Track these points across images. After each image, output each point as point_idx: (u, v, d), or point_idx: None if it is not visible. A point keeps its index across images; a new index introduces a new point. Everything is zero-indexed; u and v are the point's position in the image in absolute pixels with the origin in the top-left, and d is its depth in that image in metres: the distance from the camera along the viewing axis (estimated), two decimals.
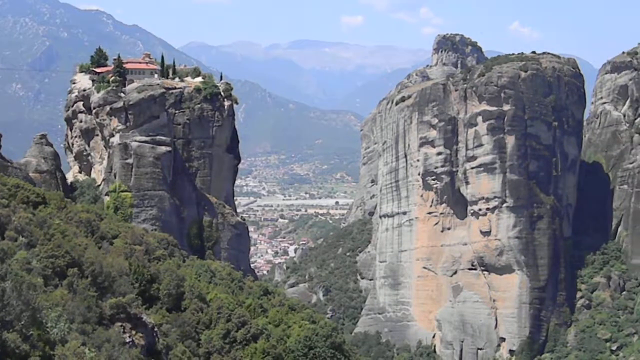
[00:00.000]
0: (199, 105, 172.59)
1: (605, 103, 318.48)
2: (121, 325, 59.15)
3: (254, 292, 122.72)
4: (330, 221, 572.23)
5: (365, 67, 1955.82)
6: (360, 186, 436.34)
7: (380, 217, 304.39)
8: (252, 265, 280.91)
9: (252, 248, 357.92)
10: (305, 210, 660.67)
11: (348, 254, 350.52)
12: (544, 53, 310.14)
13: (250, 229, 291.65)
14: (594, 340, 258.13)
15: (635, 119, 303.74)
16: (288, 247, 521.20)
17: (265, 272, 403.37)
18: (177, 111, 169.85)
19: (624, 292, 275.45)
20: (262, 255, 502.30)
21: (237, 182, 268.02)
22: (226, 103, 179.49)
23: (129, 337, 58.78)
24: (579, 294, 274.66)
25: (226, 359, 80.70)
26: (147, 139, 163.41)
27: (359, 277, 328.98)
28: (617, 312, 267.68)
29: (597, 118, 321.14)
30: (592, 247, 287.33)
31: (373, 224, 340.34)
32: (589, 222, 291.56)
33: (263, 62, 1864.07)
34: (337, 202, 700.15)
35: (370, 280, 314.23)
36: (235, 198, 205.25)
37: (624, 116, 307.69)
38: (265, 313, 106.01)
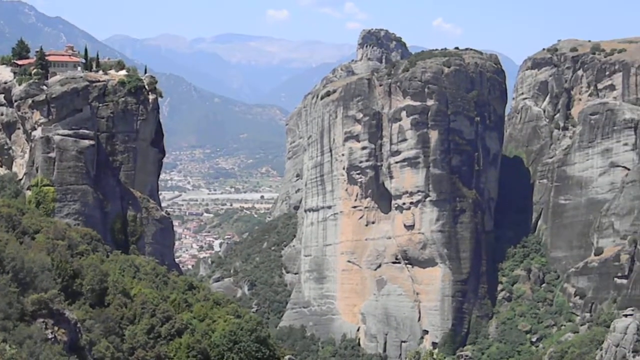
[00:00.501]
0: (122, 99, 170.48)
1: (526, 99, 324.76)
2: (43, 322, 58.52)
3: (178, 286, 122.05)
4: (256, 215, 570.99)
5: (291, 61, 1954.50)
6: (286, 180, 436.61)
7: (306, 211, 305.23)
8: (176, 259, 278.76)
9: (176, 242, 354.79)
10: (231, 205, 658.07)
11: (273, 248, 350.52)
12: (466, 49, 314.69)
13: (175, 223, 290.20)
14: (514, 332, 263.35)
15: (555, 115, 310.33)
16: (213, 242, 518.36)
17: (190, 266, 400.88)
18: (100, 104, 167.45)
19: (543, 285, 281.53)
20: (187, 250, 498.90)
21: (162, 176, 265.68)
22: (150, 96, 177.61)
23: (51, 333, 58.20)
24: (500, 287, 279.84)
25: (150, 354, 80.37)
26: (70, 132, 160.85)
27: (284, 271, 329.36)
28: (537, 304, 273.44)
29: (518, 113, 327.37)
30: (513, 240, 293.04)
31: (298, 218, 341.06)
32: (510, 215, 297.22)
33: (188, 55, 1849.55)
34: (262, 197, 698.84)
35: (295, 274, 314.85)
36: (159, 192, 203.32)
37: (544, 112, 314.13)
38: (190, 308, 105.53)
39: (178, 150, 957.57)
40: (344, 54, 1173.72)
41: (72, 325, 63.06)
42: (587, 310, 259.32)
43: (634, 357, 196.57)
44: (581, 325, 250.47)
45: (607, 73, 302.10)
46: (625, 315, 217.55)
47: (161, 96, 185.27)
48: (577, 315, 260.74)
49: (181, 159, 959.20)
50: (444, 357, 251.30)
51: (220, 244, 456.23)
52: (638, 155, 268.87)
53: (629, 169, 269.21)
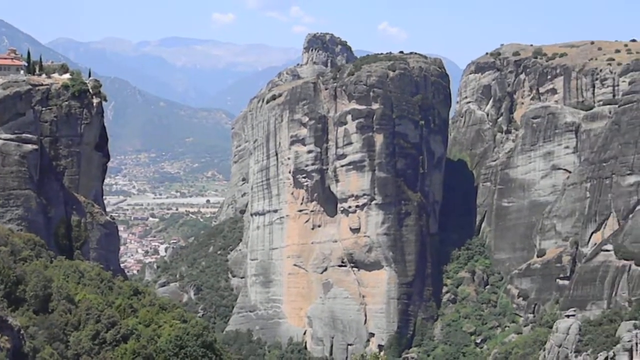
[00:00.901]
0: (66, 103, 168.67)
1: (469, 102, 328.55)
2: None
3: (123, 292, 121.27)
4: (202, 220, 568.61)
5: (237, 65, 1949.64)
6: (232, 184, 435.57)
7: (252, 215, 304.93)
8: (121, 265, 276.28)
9: (121, 247, 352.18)
10: (176, 209, 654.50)
11: (219, 252, 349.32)
12: (411, 53, 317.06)
13: (120, 228, 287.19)
14: (459, 334, 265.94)
15: (498, 118, 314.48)
16: (159, 246, 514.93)
17: (135, 271, 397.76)
18: (43, 108, 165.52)
19: (487, 286, 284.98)
20: (132, 255, 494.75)
21: (107, 180, 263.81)
22: (95, 100, 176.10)
23: None
24: (444, 289, 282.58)
25: None
26: (13, 136, 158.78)
27: (230, 276, 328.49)
28: (481, 306, 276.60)
29: (461, 117, 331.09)
30: (457, 242, 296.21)
31: (244, 222, 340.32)
32: (454, 218, 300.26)
33: (133, 59, 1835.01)
34: (208, 201, 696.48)
35: (242, 278, 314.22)
36: (104, 197, 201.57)
37: (487, 115, 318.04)
38: (136, 313, 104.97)
39: (123, 154, 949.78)
40: (290, 57, 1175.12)
41: (16, 332, 62.68)
42: (530, 311, 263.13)
43: (576, 357, 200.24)
44: (524, 326, 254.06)
45: (548, 77, 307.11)
46: (567, 316, 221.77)
47: (105, 100, 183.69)
48: (521, 317, 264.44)
49: (126, 163, 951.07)
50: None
51: (166, 249, 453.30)
52: (579, 158, 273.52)
53: (570, 172, 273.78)
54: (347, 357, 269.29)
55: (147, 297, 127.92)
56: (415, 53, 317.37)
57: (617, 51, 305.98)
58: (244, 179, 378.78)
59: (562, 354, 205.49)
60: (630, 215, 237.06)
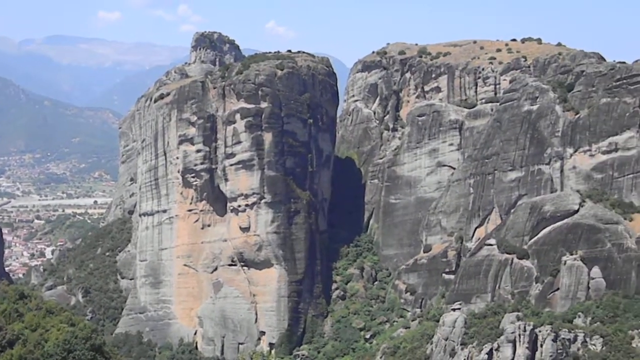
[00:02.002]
0: None
1: (356, 101, 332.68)
2: None
3: (8, 296, 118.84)
4: (89, 221, 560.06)
5: (124, 63, 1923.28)
6: (120, 185, 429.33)
7: (140, 215, 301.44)
8: (6, 268, 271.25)
9: (6, 251, 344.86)
10: (63, 211, 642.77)
11: (107, 253, 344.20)
12: (299, 52, 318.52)
13: (4, 231, 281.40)
14: (349, 330, 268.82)
15: (385, 116, 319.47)
16: (45, 249, 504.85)
17: (20, 275, 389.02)
18: None
19: (376, 282, 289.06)
20: (17, 258, 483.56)
21: None
22: None
23: None
24: (334, 286, 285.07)
25: None
26: None
27: (119, 277, 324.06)
28: (370, 302, 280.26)
29: (349, 115, 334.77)
30: (346, 239, 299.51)
31: (133, 222, 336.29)
32: (343, 215, 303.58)
33: (16, 57, 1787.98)
34: (95, 202, 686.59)
35: (131, 279, 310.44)
36: None
37: (374, 113, 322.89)
38: (22, 318, 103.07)
39: (6, 155, 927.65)
40: (178, 56, 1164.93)
41: None
42: (418, 305, 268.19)
43: (462, 349, 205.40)
44: (412, 320, 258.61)
45: (433, 76, 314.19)
46: (454, 310, 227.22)
47: None
48: (408, 311, 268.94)
49: (10, 164, 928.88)
50: (278, 357, 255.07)
51: (53, 251, 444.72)
52: (462, 155, 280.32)
53: (454, 168, 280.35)
54: (238, 357, 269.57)
55: (34, 301, 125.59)
56: (303, 52, 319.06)
57: (499, 50, 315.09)
58: (132, 179, 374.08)
59: (448, 347, 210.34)
60: (512, 210, 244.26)
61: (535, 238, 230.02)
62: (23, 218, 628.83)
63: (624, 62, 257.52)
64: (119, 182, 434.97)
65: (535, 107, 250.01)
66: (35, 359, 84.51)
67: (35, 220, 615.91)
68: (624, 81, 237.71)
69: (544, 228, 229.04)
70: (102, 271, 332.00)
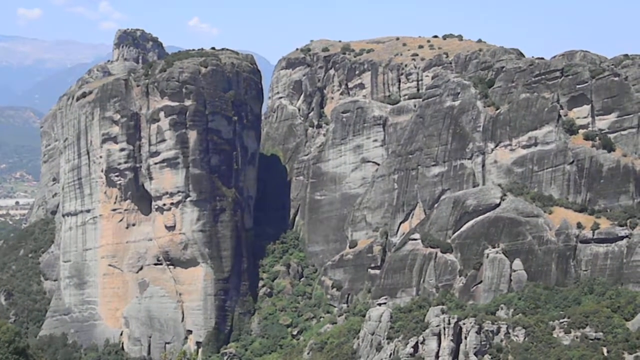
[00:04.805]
0: None
1: (281, 98, 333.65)
2: None
3: None
4: (11, 222, 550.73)
5: (45, 61, 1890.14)
6: (42, 185, 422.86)
7: (64, 215, 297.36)
8: None
9: None
10: None
11: (30, 255, 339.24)
12: (223, 49, 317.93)
13: None
14: (276, 327, 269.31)
15: (309, 113, 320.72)
16: None
17: None
18: None
19: (302, 279, 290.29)
20: None
21: None
22: None
23: None
24: (261, 283, 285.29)
25: None
26: None
27: (42, 279, 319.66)
28: (297, 298, 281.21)
29: (274, 112, 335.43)
30: (273, 237, 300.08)
31: (56, 223, 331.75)
32: (269, 212, 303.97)
33: None
34: (17, 202, 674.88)
35: (55, 281, 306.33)
36: None
37: (299, 110, 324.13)
38: None
39: None
40: (100, 54, 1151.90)
41: None
42: (344, 301, 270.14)
43: (388, 343, 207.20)
44: (339, 316, 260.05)
45: (356, 72, 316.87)
46: (379, 304, 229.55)
47: None
48: (335, 307, 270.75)
49: None
50: (206, 356, 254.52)
51: None
52: (386, 150, 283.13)
53: (379, 164, 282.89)
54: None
55: None
56: (227, 49, 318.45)
57: (421, 47, 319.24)
58: (54, 179, 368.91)
59: (375, 341, 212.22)
60: (436, 205, 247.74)
61: (459, 232, 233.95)
62: None
63: (542, 58, 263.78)
64: (41, 182, 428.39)
65: (457, 103, 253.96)
66: None
67: None
68: (543, 77, 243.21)
69: (467, 222, 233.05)
70: (25, 273, 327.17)
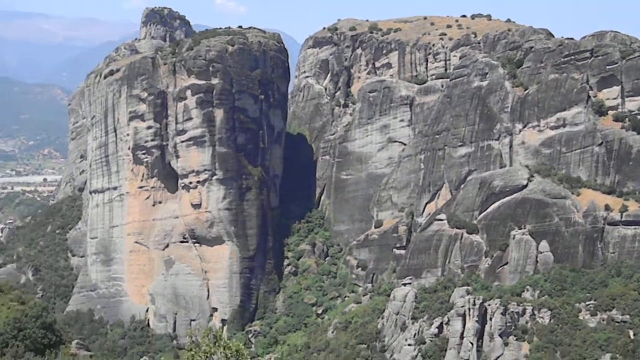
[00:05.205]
0: None
1: (308, 77, 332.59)
2: None
3: None
4: (39, 198, 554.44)
5: (72, 39, 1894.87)
6: (69, 162, 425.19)
7: (91, 192, 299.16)
8: None
9: None
10: (12, 188, 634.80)
11: (58, 231, 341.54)
12: (250, 28, 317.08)
13: None
14: (301, 305, 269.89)
15: (336, 92, 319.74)
16: None
17: None
18: None
19: (327, 258, 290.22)
20: None
21: None
22: None
23: None
24: (286, 262, 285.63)
25: None
26: None
27: (69, 255, 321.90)
28: (322, 277, 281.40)
29: (300, 91, 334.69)
30: (298, 216, 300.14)
31: (83, 200, 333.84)
32: (294, 192, 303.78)
33: None
34: (45, 179, 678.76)
35: (82, 257, 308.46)
36: None
37: (326, 89, 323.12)
38: None
39: None
40: (127, 32, 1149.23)
41: None
42: (369, 281, 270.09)
43: (412, 323, 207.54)
44: (363, 295, 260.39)
45: (384, 52, 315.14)
46: (404, 284, 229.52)
47: None
48: (360, 286, 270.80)
49: None
50: (230, 333, 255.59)
51: (2, 229, 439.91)
52: (413, 130, 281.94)
53: (405, 144, 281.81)
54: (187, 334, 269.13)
55: None
56: (254, 28, 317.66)
57: (449, 26, 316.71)
58: (82, 156, 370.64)
59: (399, 321, 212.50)
60: (462, 186, 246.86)
61: (485, 213, 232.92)
62: None
63: (572, 39, 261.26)
64: (69, 159, 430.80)
65: (484, 83, 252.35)
66: None
67: None
68: (572, 57, 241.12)
69: (493, 203, 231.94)
70: (53, 249, 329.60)
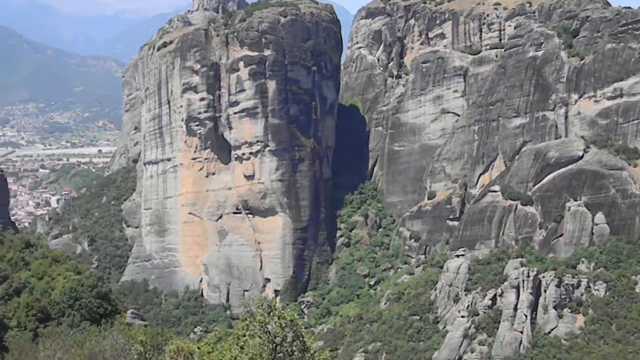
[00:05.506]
0: None
1: (360, 48, 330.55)
2: None
3: (15, 245, 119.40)
4: (94, 170, 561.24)
5: (126, 12, 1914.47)
6: (124, 133, 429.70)
7: (145, 164, 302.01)
8: (12, 217, 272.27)
9: (11, 200, 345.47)
10: (67, 160, 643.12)
11: (113, 202, 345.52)
12: None
13: (9, 180, 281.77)
14: (353, 277, 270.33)
15: (389, 63, 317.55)
16: (50, 198, 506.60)
17: (26, 224, 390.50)
18: None
19: (380, 229, 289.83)
20: (22, 207, 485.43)
21: None
22: None
23: None
24: (338, 233, 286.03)
25: None
26: None
27: (124, 226, 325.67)
28: (374, 249, 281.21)
29: (353, 62, 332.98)
30: (350, 187, 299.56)
31: (137, 171, 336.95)
32: (347, 163, 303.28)
33: (18, 6, 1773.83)
34: (100, 151, 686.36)
35: (136, 228, 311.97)
36: None
37: (378, 60, 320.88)
38: (28, 266, 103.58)
39: (10, 104, 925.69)
40: (180, 4, 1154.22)
41: None
42: (422, 252, 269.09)
43: (465, 295, 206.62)
44: (416, 267, 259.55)
45: (437, 22, 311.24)
46: (457, 256, 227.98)
47: None
48: (412, 258, 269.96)
49: (14, 113, 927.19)
50: (283, 304, 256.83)
51: (58, 200, 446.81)
52: (467, 101, 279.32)
53: (459, 115, 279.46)
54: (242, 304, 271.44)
55: (40, 249, 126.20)
56: None
57: None
58: (136, 128, 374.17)
59: (452, 293, 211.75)
60: (516, 157, 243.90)
61: (540, 184, 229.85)
62: (28, 167, 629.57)
63: (629, 7, 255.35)
64: (123, 131, 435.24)
65: (540, 53, 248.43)
66: (42, 306, 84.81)
67: (40, 170, 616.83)
68: (630, 26, 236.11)
69: (548, 174, 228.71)
70: (108, 220, 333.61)
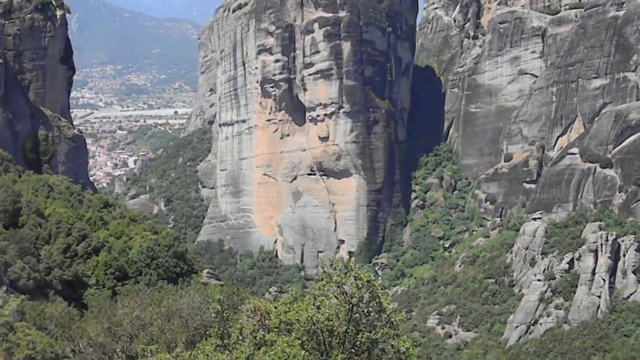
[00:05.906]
0: (29, 15, 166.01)
1: (436, 8, 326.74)
2: None
3: (93, 205, 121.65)
4: (170, 131, 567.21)
5: None
6: (199, 95, 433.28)
7: (220, 125, 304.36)
8: (91, 178, 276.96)
9: (90, 161, 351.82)
10: (144, 121, 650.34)
11: (188, 163, 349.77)
12: None
13: (88, 141, 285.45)
14: (428, 239, 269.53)
15: (465, 24, 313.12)
16: (127, 159, 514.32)
17: (105, 184, 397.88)
18: (6, 22, 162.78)
19: (455, 192, 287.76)
20: (101, 168, 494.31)
21: (73, 94, 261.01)
22: (58, 12, 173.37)
23: None
24: (413, 195, 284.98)
25: (67, 273, 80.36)
26: None
27: (200, 186, 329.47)
28: (449, 211, 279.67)
29: (428, 23, 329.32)
30: (426, 149, 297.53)
31: (213, 132, 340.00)
32: (422, 125, 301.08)
33: None
34: (176, 112, 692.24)
35: (212, 189, 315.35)
36: (71, 110, 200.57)
37: (454, 21, 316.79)
38: (106, 226, 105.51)
39: (88, 67, 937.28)
40: None
41: None
42: (498, 215, 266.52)
43: (542, 258, 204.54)
44: (492, 229, 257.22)
45: None
46: (534, 219, 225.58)
47: (69, 12, 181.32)
48: (488, 220, 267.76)
49: (92, 76, 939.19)
50: (361, 265, 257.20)
51: (135, 161, 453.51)
52: (545, 62, 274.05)
53: (536, 76, 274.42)
54: (317, 265, 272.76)
55: (118, 209, 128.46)
56: None
57: None
58: (211, 90, 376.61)
59: (528, 256, 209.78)
60: (596, 119, 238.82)
61: (620, 147, 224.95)
62: (106, 129, 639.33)
63: None
64: (199, 92, 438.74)
65: (621, 13, 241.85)
66: (120, 265, 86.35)
67: (118, 131, 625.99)
68: None
69: (629, 136, 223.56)
70: (184, 180, 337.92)
